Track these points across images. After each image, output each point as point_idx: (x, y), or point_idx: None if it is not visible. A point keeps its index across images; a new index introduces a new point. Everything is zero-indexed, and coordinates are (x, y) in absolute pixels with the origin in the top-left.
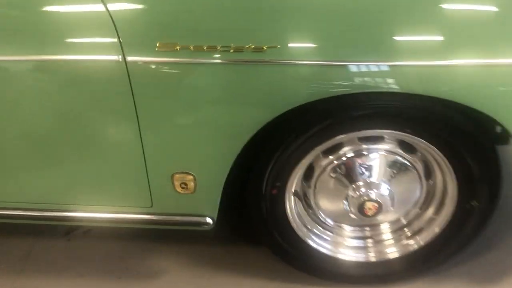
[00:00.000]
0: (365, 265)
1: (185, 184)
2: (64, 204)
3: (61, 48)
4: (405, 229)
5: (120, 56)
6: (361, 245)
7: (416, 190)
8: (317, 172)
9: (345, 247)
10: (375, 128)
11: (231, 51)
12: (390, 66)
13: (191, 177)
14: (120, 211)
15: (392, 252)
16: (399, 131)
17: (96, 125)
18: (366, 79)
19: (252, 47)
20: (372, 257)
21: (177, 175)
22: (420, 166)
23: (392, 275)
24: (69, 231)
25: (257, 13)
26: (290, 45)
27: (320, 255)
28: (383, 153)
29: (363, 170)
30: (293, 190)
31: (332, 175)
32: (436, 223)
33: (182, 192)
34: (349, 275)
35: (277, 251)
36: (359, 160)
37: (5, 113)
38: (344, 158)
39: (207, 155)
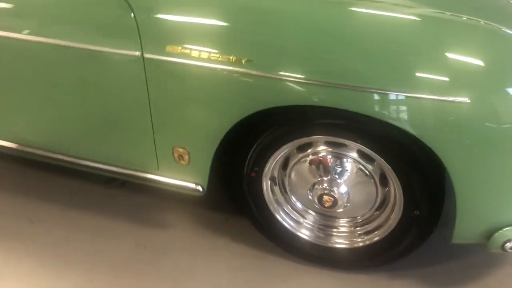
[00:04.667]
0: (317, 247)
1: (182, 156)
2: (93, 157)
3: None
4: (358, 228)
5: (139, 53)
6: (318, 229)
7: (371, 194)
8: (291, 164)
9: (304, 228)
10: (330, 135)
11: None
12: (346, 88)
13: (186, 151)
14: (135, 169)
15: (341, 243)
16: (351, 140)
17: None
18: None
19: (234, 59)
20: (324, 242)
21: (176, 148)
22: (377, 175)
23: (338, 263)
24: (108, 181)
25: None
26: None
27: (285, 229)
28: (345, 158)
29: (328, 169)
30: (270, 176)
31: (303, 168)
32: (385, 227)
33: (179, 162)
34: (302, 251)
35: (253, 221)
36: (325, 161)
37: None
38: (311, 156)
39: (198, 137)
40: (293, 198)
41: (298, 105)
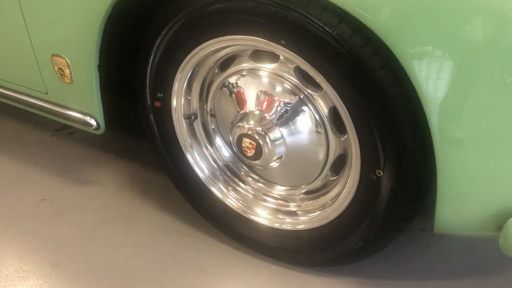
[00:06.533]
0: (228, 210)
1: (62, 70)
2: None
3: None
4: (296, 203)
5: None
6: (235, 189)
7: (319, 145)
8: (212, 91)
9: (220, 182)
10: (236, 33)
11: None
12: None
13: (64, 61)
14: (22, 92)
15: (263, 217)
16: (274, 42)
17: None
18: None
19: None
20: (237, 208)
21: (55, 58)
22: (328, 116)
23: (261, 249)
24: (57, 129)
25: None
26: None
27: (199, 182)
28: (281, 83)
29: (255, 98)
30: (182, 112)
31: (224, 96)
32: (335, 204)
33: (63, 80)
34: (210, 211)
35: (162, 165)
36: (252, 86)
37: None
38: (234, 78)
39: (71, 38)
40: (218, 142)
41: None
